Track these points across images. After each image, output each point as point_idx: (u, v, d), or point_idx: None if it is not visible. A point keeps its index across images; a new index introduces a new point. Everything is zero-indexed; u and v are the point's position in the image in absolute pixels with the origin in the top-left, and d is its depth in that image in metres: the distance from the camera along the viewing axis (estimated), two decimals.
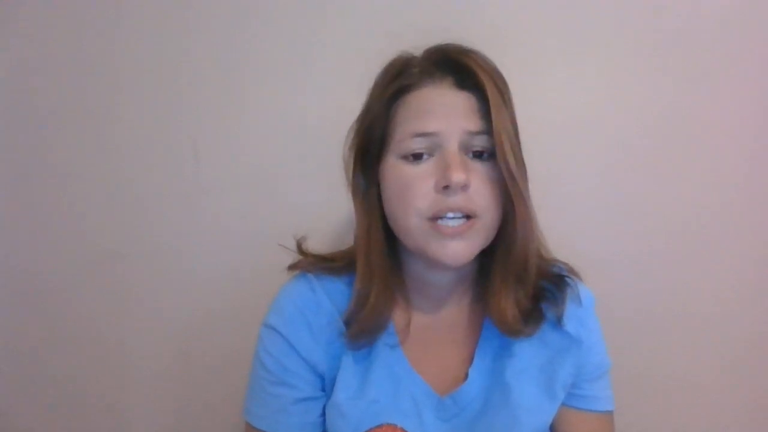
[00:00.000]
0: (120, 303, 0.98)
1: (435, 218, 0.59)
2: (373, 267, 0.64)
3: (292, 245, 0.72)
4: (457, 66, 0.61)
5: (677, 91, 0.91)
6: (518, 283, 0.64)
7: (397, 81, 0.63)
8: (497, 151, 0.58)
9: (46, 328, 0.99)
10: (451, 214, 0.59)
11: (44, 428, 1.00)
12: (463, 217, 0.59)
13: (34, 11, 0.95)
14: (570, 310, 0.67)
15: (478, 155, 0.61)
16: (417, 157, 0.60)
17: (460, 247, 0.60)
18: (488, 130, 0.59)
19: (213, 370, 0.98)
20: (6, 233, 0.98)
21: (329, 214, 0.89)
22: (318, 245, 0.74)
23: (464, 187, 0.58)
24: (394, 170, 0.62)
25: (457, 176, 0.57)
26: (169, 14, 0.94)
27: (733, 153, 0.92)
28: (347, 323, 0.64)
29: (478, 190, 0.59)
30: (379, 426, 0.63)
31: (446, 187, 0.58)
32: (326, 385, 0.67)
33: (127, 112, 0.96)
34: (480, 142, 0.60)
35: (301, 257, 0.71)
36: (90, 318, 0.99)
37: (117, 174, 0.96)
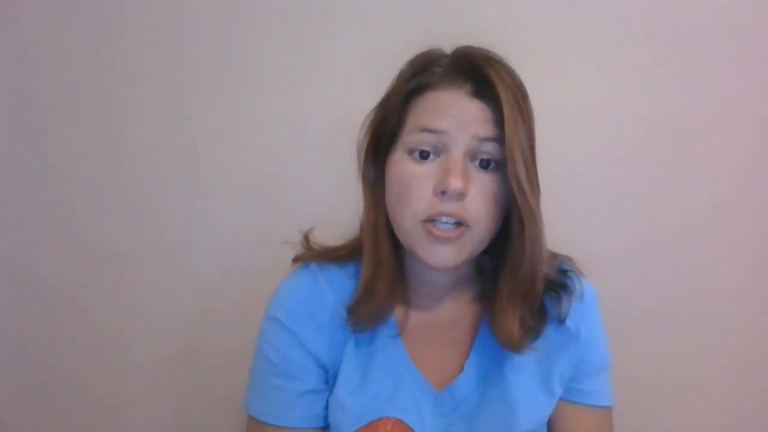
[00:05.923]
0: (121, 303, 0.98)
1: (428, 221, 0.59)
2: (381, 258, 0.64)
3: (296, 244, 0.72)
4: (477, 74, 0.60)
5: (682, 89, 0.92)
6: (524, 301, 0.63)
7: (418, 78, 0.63)
8: (508, 161, 0.57)
9: (46, 328, 0.99)
10: (444, 219, 0.59)
11: (44, 428, 1.00)
12: (455, 223, 0.59)
13: (34, 11, 0.95)
14: (571, 306, 0.67)
15: (484, 164, 0.60)
16: (423, 155, 0.60)
17: (447, 253, 0.60)
18: (500, 138, 0.58)
19: (214, 370, 0.98)
20: (7, 233, 0.98)
21: (330, 214, 0.88)
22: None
23: (461, 195, 0.58)
24: (399, 165, 0.61)
25: (455, 183, 0.57)
26: (170, 13, 0.94)
27: (738, 152, 0.92)
28: (350, 310, 0.64)
29: (474, 200, 0.59)
30: (380, 419, 0.63)
31: (443, 193, 0.58)
32: (329, 378, 0.67)
33: (128, 112, 0.96)
34: (488, 149, 0.59)
35: (305, 250, 0.71)
36: (91, 318, 0.99)
37: (118, 174, 0.97)
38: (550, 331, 0.66)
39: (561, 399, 0.69)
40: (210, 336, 0.98)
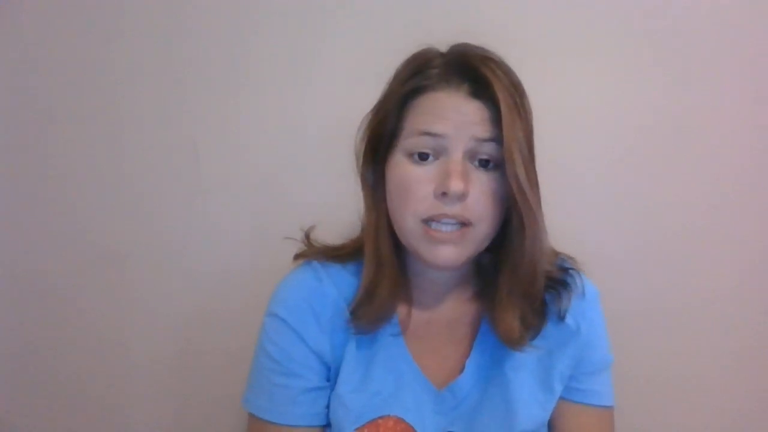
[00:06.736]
0: (121, 303, 0.98)
1: (429, 221, 0.60)
2: (382, 260, 0.65)
3: (297, 241, 0.72)
4: (474, 74, 0.60)
5: (682, 89, 0.91)
6: (525, 299, 0.63)
7: (414, 80, 0.62)
8: (506, 162, 0.58)
9: (46, 328, 0.99)
10: (445, 220, 0.59)
11: (44, 428, 1.00)
12: (457, 224, 0.59)
13: (34, 11, 0.95)
14: (572, 303, 0.67)
15: (483, 164, 0.60)
16: (422, 157, 0.60)
17: (450, 253, 0.60)
18: (498, 138, 0.58)
19: (214, 370, 0.98)
20: (7, 233, 0.98)
21: (330, 213, 0.88)
22: None
23: (462, 196, 0.58)
24: (398, 168, 0.62)
25: (456, 185, 0.57)
26: (170, 13, 0.94)
27: (738, 152, 0.92)
28: (353, 312, 0.65)
29: (476, 200, 0.59)
30: (380, 417, 0.64)
31: (444, 194, 0.58)
32: (331, 375, 0.67)
33: (128, 112, 0.96)
34: (487, 150, 0.60)
35: (306, 248, 0.71)
36: (91, 318, 0.99)
37: (118, 174, 0.97)
38: (550, 329, 0.66)
39: (562, 398, 0.69)
40: (210, 336, 0.98)
